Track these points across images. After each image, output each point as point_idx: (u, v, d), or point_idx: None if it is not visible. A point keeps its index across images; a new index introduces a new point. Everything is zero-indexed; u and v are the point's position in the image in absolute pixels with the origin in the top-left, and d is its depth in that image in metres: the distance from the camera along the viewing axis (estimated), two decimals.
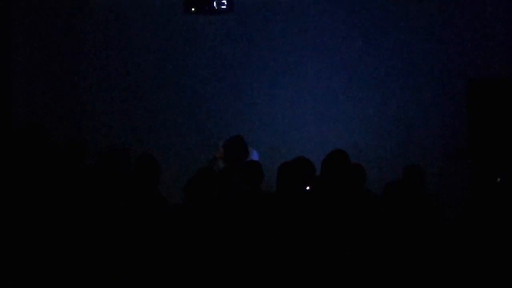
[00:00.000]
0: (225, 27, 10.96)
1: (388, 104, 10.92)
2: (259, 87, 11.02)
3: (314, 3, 10.96)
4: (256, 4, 10.98)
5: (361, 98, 10.95)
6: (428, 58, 10.86)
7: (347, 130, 10.88)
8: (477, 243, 6.32)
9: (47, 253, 6.31)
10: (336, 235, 6.18)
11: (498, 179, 9.46)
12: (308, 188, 6.98)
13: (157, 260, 6.13)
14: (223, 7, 9.85)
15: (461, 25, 10.79)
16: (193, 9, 9.94)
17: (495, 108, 10.68)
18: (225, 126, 10.84)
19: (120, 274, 6.10)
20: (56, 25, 11.01)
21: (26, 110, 10.82)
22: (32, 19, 10.98)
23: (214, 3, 9.85)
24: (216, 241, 6.17)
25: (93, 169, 6.96)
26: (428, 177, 8.18)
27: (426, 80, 10.88)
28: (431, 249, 6.07)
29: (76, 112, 11.07)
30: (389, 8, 10.88)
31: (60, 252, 6.29)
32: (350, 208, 6.43)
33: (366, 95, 10.94)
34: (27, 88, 10.97)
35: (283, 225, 6.24)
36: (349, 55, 10.94)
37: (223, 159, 8.75)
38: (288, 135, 10.94)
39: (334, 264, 6.06)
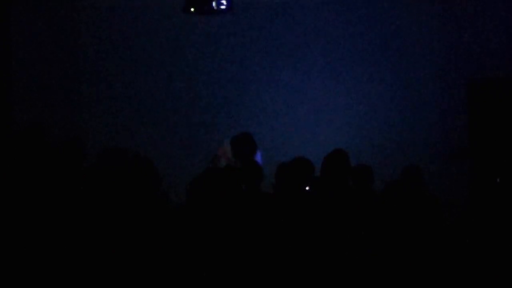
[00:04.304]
0: (225, 27, 10.96)
1: (388, 104, 10.92)
2: (259, 87, 11.03)
3: (314, 3, 10.96)
4: (256, 4, 10.99)
5: (361, 98, 10.95)
6: (428, 58, 10.87)
7: (347, 130, 10.89)
8: (477, 243, 6.33)
9: (47, 255, 6.31)
10: (335, 235, 6.18)
11: (498, 179, 9.46)
12: (307, 188, 6.98)
13: (157, 260, 6.13)
14: (222, 7, 9.84)
15: (461, 25, 10.80)
16: (192, 9, 9.94)
17: (495, 108, 10.68)
18: (225, 125, 10.85)
19: (121, 275, 6.10)
20: (56, 25, 11.02)
21: (25, 110, 10.81)
22: (32, 19, 10.97)
23: (214, 3, 9.84)
24: (215, 241, 6.17)
25: (92, 169, 6.97)
26: (428, 177, 8.17)
27: (426, 80, 10.88)
28: (431, 249, 6.07)
29: (76, 112, 11.07)
30: (389, 8, 10.88)
31: (60, 253, 6.29)
32: (350, 208, 6.44)
33: (366, 95, 10.94)
34: (27, 88, 10.96)
35: (282, 225, 6.24)
36: (349, 55, 10.95)
37: (232, 155, 8.76)
38: (289, 135, 10.94)
39: (334, 264, 6.06)
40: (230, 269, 6.10)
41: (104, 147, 8.07)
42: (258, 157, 8.82)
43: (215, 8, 9.85)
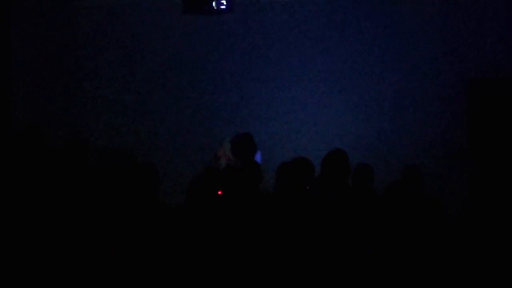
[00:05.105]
0: (225, 27, 10.96)
1: (388, 104, 10.92)
2: (259, 86, 11.03)
3: (314, 3, 10.96)
4: (256, 4, 10.99)
5: (361, 98, 10.95)
6: (428, 58, 10.87)
7: (347, 130, 10.88)
8: (477, 243, 6.32)
9: (47, 255, 6.31)
10: (335, 235, 6.18)
11: (498, 179, 9.46)
12: (307, 188, 6.98)
13: (157, 260, 6.13)
14: (222, 7, 9.84)
15: (461, 25, 10.80)
16: (192, 9, 9.94)
17: (495, 108, 10.68)
18: (225, 125, 10.85)
19: (121, 275, 6.10)
20: (56, 25, 11.02)
21: (25, 110, 10.82)
22: (32, 19, 10.98)
23: (214, 3, 9.83)
24: (215, 241, 6.18)
25: (92, 170, 6.97)
26: (428, 177, 8.18)
27: (426, 80, 10.88)
28: (431, 249, 6.07)
29: (76, 112, 11.07)
30: (390, 8, 10.88)
31: (60, 253, 6.29)
32: (349, 208, 6.44)
33: (366, 95, 10.94)
34: (27, 88, 10.97)
35: (283, 225, 6.24)
36: (349, 55, 10.95)
37: (232, 155, 8.76)
38: (289, 135, 10.94)
39: (334, 264, 6.06)
40: (230, 269, 6.10)
41: (104, 148, 8.07)
42: (258, 157, 8.83)
43: (215, 8, 9.85)
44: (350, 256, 6.03)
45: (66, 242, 6.29)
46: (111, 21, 11.07)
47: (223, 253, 6.15)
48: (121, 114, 11.08)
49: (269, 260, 6.12)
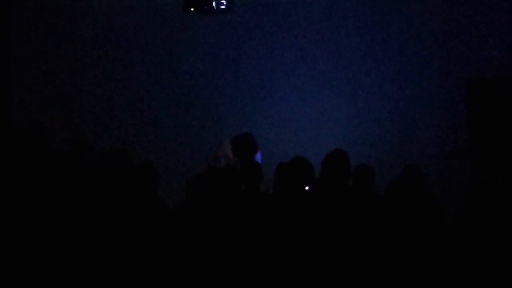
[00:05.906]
0: (225, 27, 10.97)
1: (388, 104, 10.92)
2: (259, 87, 11.03)
3: (314, 3, 10.97)
4: (256, 4, 10.99)
5: (361, 98, 10.95)
6: (428, 58, 10.87)
7: (347, 130, 10.89)
8: (477, 243, 6.32)
9: (47, 254, 6.31)
10: (335, 235, 6.18)
11: (498, 179, 9.46)
12: (307, 188, 6.98)
13: (157, 260, 6.13)
14: (222, 7, 9.85)
15: (461, 25, 10.80)
16: (192, 9, 9.94)
17: (495, 108, 10.68)
18: (225, 125, 10.85)
19: (121, 274, 6.10)
20: (56, 25, 11.02)
21: (26, 110, 10.82)
22: (32, 19, 10.98)
23: (214, 3, 9.84)
24: (215, 241, 6.18)
25: (92, 170, 6.97)
26: (428, 177, 8.18)
27: (426, 80, 10.89)
28: (430, 249, 6.07)
29: (76, 112, 11.07)
30: (389, 9, 10.88)
31: (60, 253, 6.29)
32: (350, 208, 6.43)
33: (366, 95, 10.95)
34: (27, 88, 10.97)
35: (282, 225, 6.24)
36: (349, 55, 10.95)
37: (232, 155, 8.77)
38: (289, 135, 10.94)
39: (334, 264, 6.06)
40: (230, 269, 6.10)
41: (104, 147, 8.07)
42: (258, 157, 8.83)
43: (215, 8, 9.85)
44: (350, 256, 6.03)
45: (66, 242, 6.29)
46: (111, 22, 11.07)
47: (223, 253, 6.15)
48: (121, 114, 11.09)
49: (269, 260, 6.12)
